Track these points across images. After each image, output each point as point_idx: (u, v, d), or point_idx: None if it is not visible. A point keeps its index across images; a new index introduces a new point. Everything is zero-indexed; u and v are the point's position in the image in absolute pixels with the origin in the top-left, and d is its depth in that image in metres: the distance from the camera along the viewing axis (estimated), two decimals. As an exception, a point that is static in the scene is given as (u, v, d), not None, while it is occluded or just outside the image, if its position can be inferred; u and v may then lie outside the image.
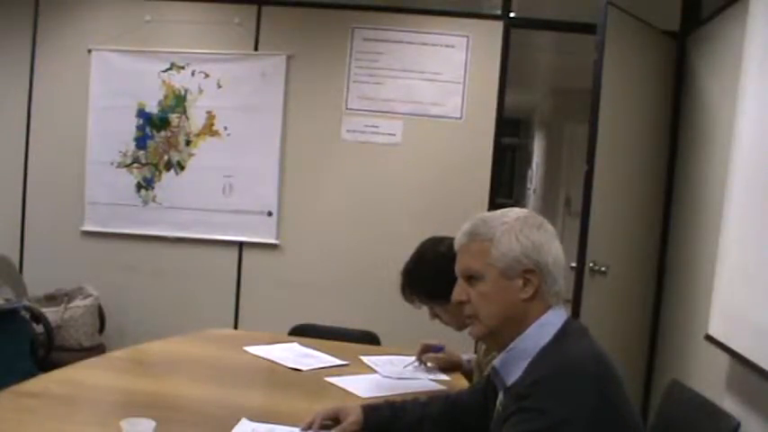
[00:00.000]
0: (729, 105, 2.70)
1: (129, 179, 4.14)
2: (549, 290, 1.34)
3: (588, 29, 3.34)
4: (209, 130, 4.09)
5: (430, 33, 4.01)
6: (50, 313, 3.75)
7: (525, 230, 1.34)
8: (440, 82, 4.00)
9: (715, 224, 2.71)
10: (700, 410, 1.76)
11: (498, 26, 3.96)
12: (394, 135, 4.03)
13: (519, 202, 9.79)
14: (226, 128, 4.08)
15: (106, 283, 4.06)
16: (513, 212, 1.39)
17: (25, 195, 4.21)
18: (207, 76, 4.07)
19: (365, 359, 2.32)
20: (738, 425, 1.62)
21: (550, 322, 1.32)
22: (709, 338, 2.61)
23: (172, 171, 4.12)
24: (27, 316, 3.60)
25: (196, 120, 4.10)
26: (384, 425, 1.59)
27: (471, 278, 1.37)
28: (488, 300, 1.34)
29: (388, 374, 2.17)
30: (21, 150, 4.19)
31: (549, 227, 1.38)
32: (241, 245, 4.13)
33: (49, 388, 1.79)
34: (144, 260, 4.15)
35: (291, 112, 4.07)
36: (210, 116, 4.09)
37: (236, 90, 4.07)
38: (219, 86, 4.08)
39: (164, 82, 4.10)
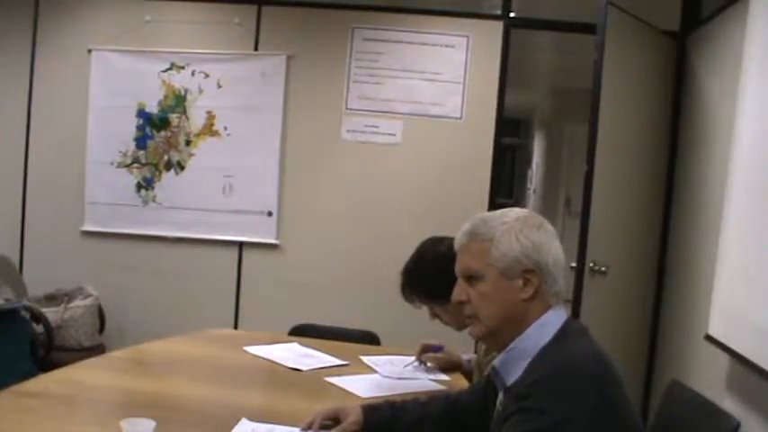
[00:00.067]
0: (729, 105, 2.70)
1: (129, 179, 4.14)
2: (549, 290, 1.34)
3: (588, 29, 3.34)
4: (209, 130, 4.09)
5: (430, 33, 4.01)
6: (50, 313, 3.75)
7: (525, 230, 1.34)
8: (440, 82, 4.00)
9: (715, 224, 2.71)
10: (700, 410, 1.76)
11: (498, 26, 3.96)
12: (394, 135, 4.03)
13: (519, 202, 9.78)
14: (226, 128, 4.08)
15: (106, 283, 4.06)
16: (513, 212, 1.39)
17: (25, 195, 4.21)
18: (207, 76, 4.08)
19: (365, 359, 2.32)
20: (738, 425, 1.62)
21: (550, 322, 1.32)
22: (709, 338, 2.61)
23: (172, 171, 4.12)
24: (27, 316, 3.60)
25: (196, 120, 4.10)
26: (384, 425, 1.59)
27: (471, 278, 1.37)
28: (488, 300, 1.34)
29: (388, 374, 2.17)
30: (21, 150, 4.19)
31: (549, 227, 1.38)
32: (241, 245, 4.13)
33: (49, 388, 1.79)
34: (144, 260, 4.15)
35: (291, 112, 4.07)
36: (210, 116, 4.09)
37: (236, 90, 4.07)
38: (219, 86, 4.08)
39: (164, 82, 4.10)
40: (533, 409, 1.20)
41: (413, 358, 2.28)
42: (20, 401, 1.67)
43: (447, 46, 4.00)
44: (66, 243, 4.17)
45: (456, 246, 1.41)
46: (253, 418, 1.64)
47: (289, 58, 4.05)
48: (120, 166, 4.14)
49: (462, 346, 2.35)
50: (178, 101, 4.10)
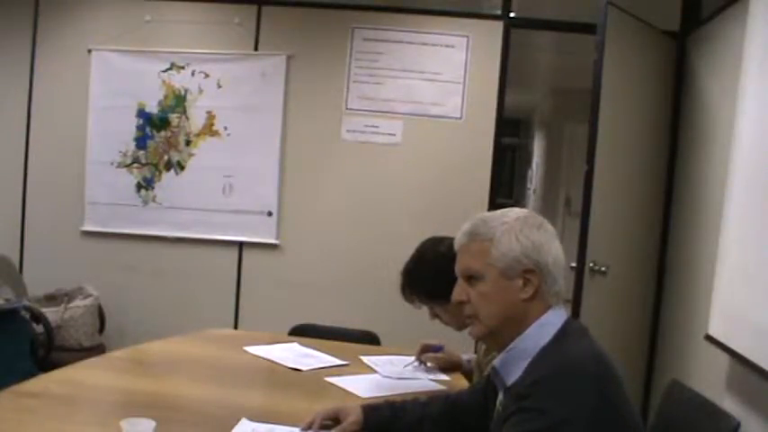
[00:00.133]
0: (729, 105, 2.70)
1: (129, 179, 4.14)
2: (549, 290, 1.34)
3: (588, 29, 3.34)
4: (209, 130, 4.09)
5: (430, 33, 4.01)
6: (50, 313, 3.75)
7: (525, 230, 1.34)
8: (440, 82, 4.00)
9: (715, 224, 2.71)
10: (700, 410, 1.76)
11: (498, 26, 3.96)
12: (394, 135, 4.03)
13: (519, 202, 9.78)
14: (226, 128, 4.08)
15: (106, 283, 4.06)
16: (513, 212, 1.39)
17: (25, 195, 4.21)
18: (207, 76, 4.07)
19: (365, 359, 2.32)
20: (738, 425, 1.62)
21: (550, 322, 1.32)
22: (709, 338, 2.61)
23: (172, 171, 4.12)
24: (27, 316, 3.60)
25: (196, 120, 4.10)
26: (384, 425, 1.59)
27: (471, 278, 1.37)
28: (488, 300, 1.34)
29: (388, 374, 2.17)
30: (21, 150, 4.19)
31: (549, 227, 1.38)
32: (241, 245, 4.13)
33: (49, 388, 1.79)
34: (144, 260, 4.15)
35: (291, 112, 4.07)
36: (210, 116, 4.09)
37: (236, 90, 4.07)
38: (219, 86, 4.08)
39: (164, 82, 4.10)
40: (533, 409, 1.20)
41: (413, 358, 2.28)
42: (20, 401, 1.67)
43: (447, 46, 4.00)
44: (66, 243, 4.17)
45: (456, 246, 1.41)
46: (253, 418, 1.64)
47: (289, 58, 4.05)
48: (120, 166, 4.14)
49: (462, 346, 2.35)
50: (178, 101, 4.10)
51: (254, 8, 4.07)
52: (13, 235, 4.19)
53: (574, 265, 3.08)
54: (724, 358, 2.56)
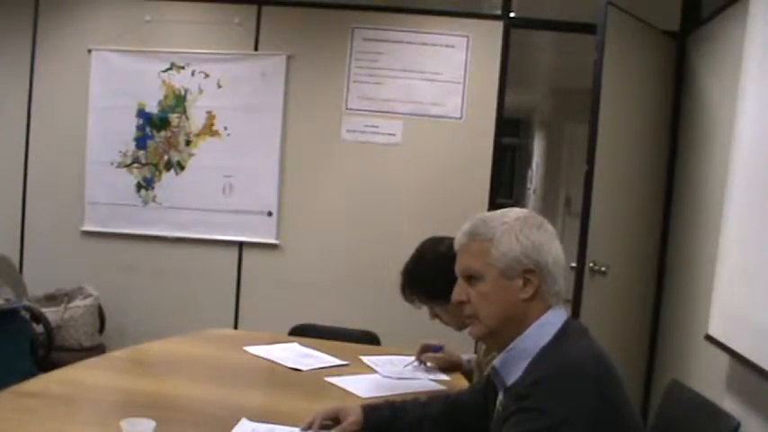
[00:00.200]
0: (729, 105, 2.70)
1: (129, 179, 4.14)
2: (549, 290, 1.34)
3: (588, 29, 3.34)
4: (209, 130, 4.09)
5: (430, 33, 4.01)
6: (50, 313, 3.75)
7: (525, 230, 1.34)
8: (440, 82, 4.00)
9: (715, 224, 2.71)
10: (700, 410, 1.76)
11: (498, 26, 3.96)
12: (394, 135, 4.03)
13: (519, 202, 9.78)
14: (226, 128, 4.08)
15: (106, 283, 4.06)
16: (513, 212, 1.39)
17: (25, 195, 4.21)
18: (207, 76, 4.08)
19: (365, 359, 2.32)
20: (738, 425, 1.62)
21: (550, 322, 1.32)
22: (709, 338, 2.61)
23: (172, 171, 4.12)
24: (27, 316, 3.60)
25: (196, 120, 4.10)
26: (384, 425, 1.59)
27: (471, 278, 1.37)
28: (488, 300, 1.34)
29: (388, 374, 2.17)
30: (21, 150, 4.19)
31: (549, 227, 1.38)
32: (241, 245, 4.13)
33: (49, 388, 1.79)
34: (144, 260, 4.15)
35: (291, 112, 4.07)
36: (210, 116, 4.09)
37: (236, 90, 4.07)
38: (219, 86, 4.08)
39: (164, 82, 4.10)
40: (533, 409, 1.20)
41: (413, 358, 2.28)
42: (20, 401, 1.67)
43: (447, 46, 4.00)
44: (66, 243, 4.17)
45: (456, 246, 1.41)
46: (253, 418, 1.64)
47: (289, 58, 4.05)
48: (120, 166, 4.14)
49: (462, 346, 2.35)
50: (178, 101, 4.10)
51: (254, 8, 4.07)
52: (13, 235, 4.19)
53: (574, 265, 3.08)
54: (724, 358, 2.56)
